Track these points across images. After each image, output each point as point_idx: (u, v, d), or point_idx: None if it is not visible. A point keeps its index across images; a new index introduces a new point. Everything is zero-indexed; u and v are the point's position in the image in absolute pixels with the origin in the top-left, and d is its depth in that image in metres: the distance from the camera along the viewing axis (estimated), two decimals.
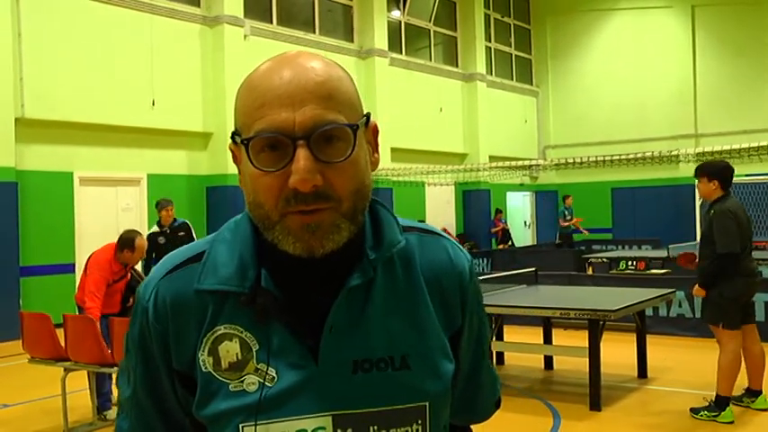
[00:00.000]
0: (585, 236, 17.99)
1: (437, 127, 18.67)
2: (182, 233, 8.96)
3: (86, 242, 10.74)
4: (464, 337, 1.15)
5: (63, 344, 5.63)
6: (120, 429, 1.14)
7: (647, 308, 7.19)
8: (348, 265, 1.03)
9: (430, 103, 18.54)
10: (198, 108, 12.93)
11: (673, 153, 14.83)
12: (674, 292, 7.27)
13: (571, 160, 15.57)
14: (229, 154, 1.08)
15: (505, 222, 20.18)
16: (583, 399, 5.92)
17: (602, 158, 14.80)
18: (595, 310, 5.85)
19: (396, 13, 18.20)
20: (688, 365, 7.26)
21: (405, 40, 18.41)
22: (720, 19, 20.35)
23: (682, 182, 19.70)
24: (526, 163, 17.65)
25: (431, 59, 19.18)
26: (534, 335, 7.58)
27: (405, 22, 18.45)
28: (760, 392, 5.73)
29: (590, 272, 12.92)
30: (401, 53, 18.11)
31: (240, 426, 1.00)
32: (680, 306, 8.82)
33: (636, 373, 6.85)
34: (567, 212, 17.37)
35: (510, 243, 19.59)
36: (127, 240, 6.05)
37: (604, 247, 16.66)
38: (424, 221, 18.37)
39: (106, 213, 11.66)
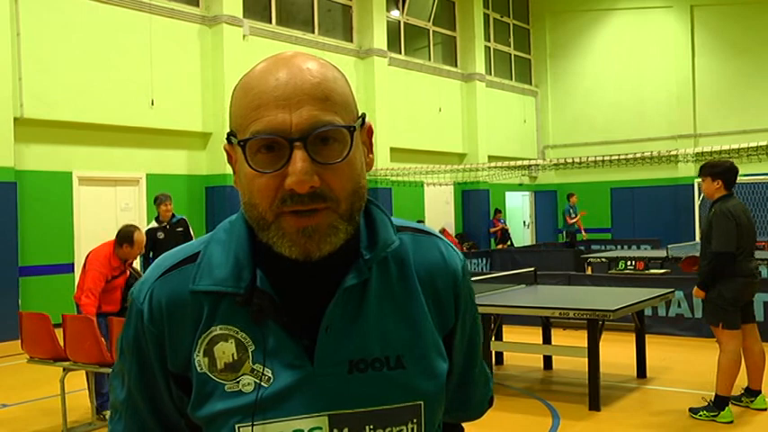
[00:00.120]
0: (583, 236, 17.98)
1: (436, 127, 18.67)
2: (180, 229, 8.94)
3: (85, 242, 10.73)
4: (457, 336, 1.15)
5: (62, 344, 5.63)
6: None
7: (646, 308, 7.19)
8: (343, 265, 1.03)
9: (429, 103, 18.54)
10: (197, 108, 12.92)
11: (672, 153, 14.84)
12: (673, 291, 7.27)
13: (570, 160, 15.58)
14: None
15: (504, 222, 20.19)
16: (582, 399, 5.93)
17: (601, 158, 14.80)
18: (594, 310, 5.85)
19: (395, 13, 18.20)
20: (687, 365, 7.26)
21: (404, 39, 18.41)
22: (720, 19, 20.36)
23: (681, 182, 19.72)
24: (525, 163, 17.66)
25: (430, 59, 19.17)
26: (533, 335, 7.59)
27: (404, 22, 18.45)
28: (759, 392, 5.73)
29: (589, 272, 12.92)
30: (400, 53, 18.11)
31: (236, 426, 1.00)
32: (679, 306, 8.83)
33: (635, 373, 6.86)
34: (572, 210, 17.36)
35: (509, 243, 19.59)
36: (126, 235, 6.05)
37: (603, 247, 16.66)
38: (422, 221, 18.42)
39: (105, 213, 11.65)
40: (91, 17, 11.46)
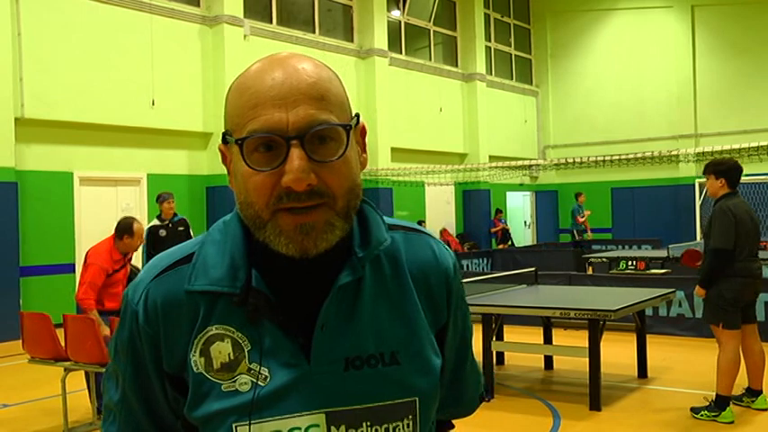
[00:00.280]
0: (589, 236, 17.95)
1: (437, 127, 18.67)
2: (181, 228, 8.96)
3: (86, 242, 10.72)
4: (450, 332, 1.17)
5: (63, 344, 5.63)
6: None
7: (646, 308, 7.19)
8: (337, 264, 1.04)
9: (430, 103, 18.54)
10: (198, 108, 12.93)
11: (672, 153, 14.84)
12: (674, 291, 7.27)
13: (571, 160, 15.57)
14: None
15: (505, 222, 20.19)
16: (583, 399, 5.93)
17: (601, 158, 14.80)
18: (595, 309, 5.85)
19: (395, 13, 18.20)
20: (688, 365, 7.26)
21: (404, 39, 18.41)
22: (720, 19, 20.35)
23: (681, 182, 19.72)
24: (526, 163, 17.66)
25: (430, 59, 19.17)
26: (534, 335, 7.58)
27: (404, 22, 18.45)
28: (760, 392, 5.73)
29: (590, 272, 12.92)
30: (401, 53, 18.11)
31: (234, 425, 1.01)
32: (680, 306, 8.82)
33: (636, 373, 6.86)
34: (581, 210, 17.35)
35: (510, 243, 19.59)
36: (125, 227, 6.06)
37: (604, 247, 16.66)
38: (423, 222, 18.41)
39: (106, 213, 11.65)
40: (91, 17, 11.47)
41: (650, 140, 20.15)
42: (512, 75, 22.50)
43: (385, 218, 1.13)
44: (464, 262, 14.80)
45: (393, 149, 16.89)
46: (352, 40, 16.71)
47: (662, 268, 11.03)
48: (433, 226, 18.42)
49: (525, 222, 22.88)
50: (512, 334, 7.84)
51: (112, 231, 6.16)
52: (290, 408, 1.01)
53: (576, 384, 6.58)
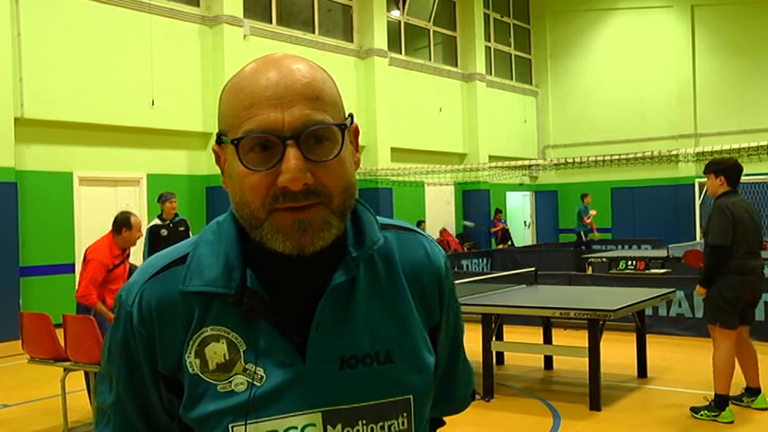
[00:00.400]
0: (595, 236, 17.91)
1: (437, 127, 18.67)
2: (182, 228, 8.97)
3: (86, 242, 10.65)
4: (442, 330, 1.18)
5: (63, 344, 5.63)
6: None
7: (646, 308, 7.19)
8: (331, 264, 1.04)
9: (429, 103, 18.53)
10: (197, 108, 12.92)
11: (672, 153, 14.83)
12: (674, 291, 7.27)
13: (571, 160, 15.57)
14: None
15: (505, 222, 20.18)
16: (583, 398, 5.93)
17: (601, 158, 14.80)
18: (595, 309, 5.85)
19: (395, 13, 18.19)
20: (688, 365, 7.26)
21: (404, 39, 18.41)
22: (720, 18, 20.35)
23: (681, 182, 19.72)
24: (526, 163, 17.66)
25: (430, 59, 19.17)
26: (534, 335, 7.58)
27: (404, 22, 18.45)
28: (759, 391, 5.74)
29: (590, 272, 12.91)
30: (401, 53, 18.11)
31: (230, 426, 1.01)
32: (679, 306, 8.82)
33: (636, 373, 6.86)
34: (587, 210, 17.34)
35: (510, 243, 19.58)
36: (123, 220, 6.08)
37: (604, 247, 16.66)
38: (423, 222, 18.39)
39: (106, 213, 11.58)
40: (91, 17, 11.46)
41: (650, 140, 20.14)
42: (511, 75, 22.50)
43: (378, 217, 1.14)
44: (464, 262, 14.80)
45: (393, 149, 16.89)
46: (351, 41, 16.71)
47: (662, 268, 11.03)
48: (432, 226, 18.41)
49: (525, 222, 22.87)
50: (512, 334, 7.84)
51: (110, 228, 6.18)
52: (286, 407, 1.01)
53: (575, 384, 6.58)
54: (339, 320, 1.05)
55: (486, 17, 21.14)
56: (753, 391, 5.78)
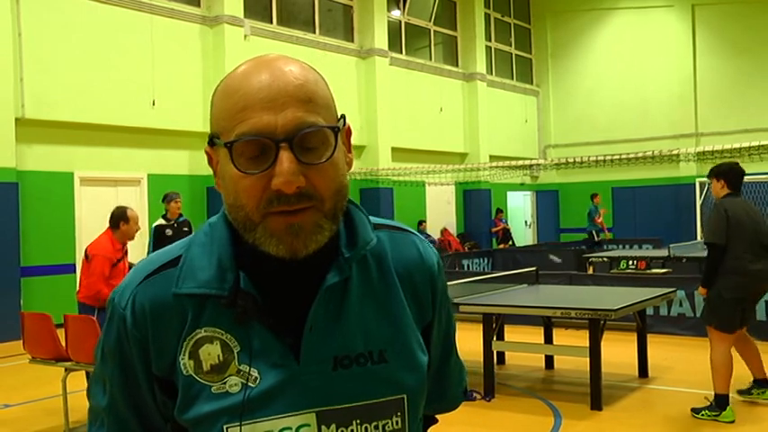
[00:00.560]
0: (606, 236, 17.90)
1: (437, 127, 18.67)
2: (186, 229, 8.97)
3: (87, 242, 10.58)
4: (435, 329, 1.18)
5: (64, 344, 5.63)
6: None
7: (647, 307, 7.18)
8: (324, 265, 1.05)
9: (430, 103, 18.53)
10: (198, 108, 12.92)
11: (673, 152, 14.82)
12: (675, 291, 7.27)
13: (572, 160, 15.55)
14: None
15: (506, 222, 20.18)
16: (584, 398, 5.92)
17: (602, 158, 14.78)
18: (596, 309, 5.85)
19: (396, 13, 18.19)
20: (689, 365, 7.25)
21: (405, 39, 18.41)
22: (721, 18, 20.34)
23: (682, 181, 19.71)
24: (527, 162, 17.64)
25: (431, 59, 19.17)
26: (535, 334, 7.58)
27: (405, 22, 18.45)
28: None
29: (591, 271, 12.91)
30: (401, 53, 18.11)
31: (225, 427, 1.01)
32: (680, 305, 8.82)
33: (637, 373, 6.85)
34: (597, 210, 17.32)
35: (511, 243, 19.59)
36: (120, 214, 6.11)
37: (606, 247, 16.66)
38: (424, 221, 18.38)
39: (106, 213, 11.50)
40: (92, 17, 11.47)
41: (651, 140, 20.13)
42: (512, 74, 22.50)
43: (370, 217, 1.14)
44: (465, 261, 14.80)
45: (393, 149, 16.89)
46: (352, 40, 16.71)
47: (663, 268, 11.02)
48: (433, 226, 18.42)
49: (526, 222, 22.87)
50: (512, 334, 7.83)
51: (107, 225, 6.20)
52: (281, 408, 1.02)
53: (576, 384, 6.58)
54: (332, 321, 1.05)
55: (487, 17, 21.14)
56: (761, 383, 5.84)
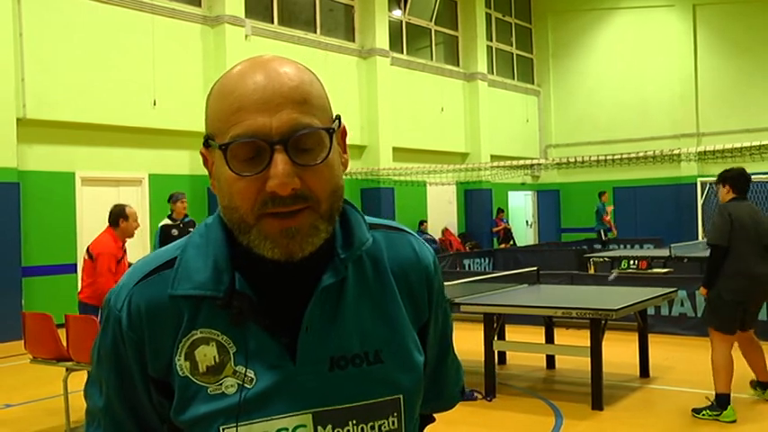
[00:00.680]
0: (614, 234, 17.89)
1: (438, 126, 18.67)
2: (191, 229, 8.96)
3: (88, 242, 10.69)
4: (431, 328, 1.18)
5: (65, 344, 5.63)
6: None
7: (648, 307, 7.18)
8: (320, 265, 1.04)
9: (431, 103, 18.53)
10: (199, 108, 12.79)
11: (674, 152, 14.82)
12: (676, 291, 7.27)
13: (573, 159, 15.55)
14: None
15: (507, 222, 20.18)
16: (585, 398, 5.92)
17: (603, 158, 14.78)
18: (597, 309, 5.85)
19: (397, 13, 18.19)
20: (690, 365, 7.25)
21: (406, 39, 18.41)
22: (722, 17, 20.33)
23: (683, 181, 19.69)
24: (528, 162, 17.64)
25: (432, 59, 19.17)
26: (536, 334, 7.57)
27: (406, 22, 18.45)
28: None
29: (592, 271, 12.91)
30: (402, 53, 18.11)
31: (221, 428, 1.01)
32: (682, 305, 8.81)
33: (638, 373, 6.85)
34: (604, 209, 17.30)
35: (512, 242, 19.58)
36: (119, 212, 6.14)
37: (606, 247, 16.65)
38: (425, 221, 18.35)
39: (108, 213, 11.64)
40: (93, 17, 11.48)
41: (652, 140, 20.12)
42: (513, 74, 22.49)
43: (366, 217, 1.14)
44: (466, 261, 14.79)
45: (395, 149, 16.89)
46: (353, 40, 16.71)
47: (664, 267, 11.02)
48: (434, 226, 18.42)
49: (527, 222, 22.87)
50: (513, 333, 7.83)
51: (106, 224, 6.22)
52: (277, 409, 1.02)
53: (578, 384, 6.57)
54: (328, 322, 1.05)
55: (488, 16, 21.14)
56: (764, 385, 5.86)
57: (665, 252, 12.13)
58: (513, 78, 22.40)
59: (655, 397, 6.26)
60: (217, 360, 1.03)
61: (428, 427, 1.33)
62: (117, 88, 11.70)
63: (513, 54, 22.61)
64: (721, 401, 5.43)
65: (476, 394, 6.16)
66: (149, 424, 1.09)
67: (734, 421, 5.36)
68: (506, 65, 22.26)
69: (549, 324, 7.33)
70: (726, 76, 20.30)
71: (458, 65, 20.03)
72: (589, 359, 5.79)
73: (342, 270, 1.06)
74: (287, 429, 1.02)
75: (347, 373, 1.04)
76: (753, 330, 5.78)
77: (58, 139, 11.20)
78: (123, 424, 1.09)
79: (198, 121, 12.90)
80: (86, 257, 6.33)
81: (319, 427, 1.03)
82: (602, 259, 13.02)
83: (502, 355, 7.48)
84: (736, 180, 5.73)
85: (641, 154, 14.36)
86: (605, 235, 17.16)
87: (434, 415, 1.34)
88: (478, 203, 19.80)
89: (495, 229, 19.82)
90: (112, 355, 1.08)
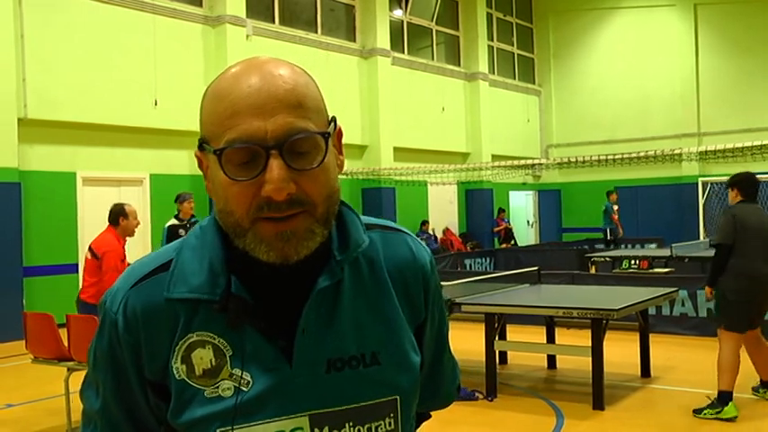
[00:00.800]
0: (620, 233, 17.87)
1: (439, 126, 18.66)
2: None
3: (89, 242, 10.73)
4: (427, 328, 1.18)
5: (66, 344, 5.64)
6: None
7: (650, 307, 7.18)
8: (316, 267, 1.04)
9: (432, 103, 18.53)
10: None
11: (675, 152, 14.81)
12: (677, 290, 7.27)
13: (574, 159, 15.55)
14: None
15: (508, 222, 20.17)
16: (586, 398, 5.92)
17: (604, 157, 14.77)
18: (598, 309, 5.85)
19: (398, 13, 18.19)
20: (691, 364, 7.25)
21: (407, 39, 18.41)
22: (723, 17, 20.32)
23: (685, 181, 19.68)
24: (529, 162, 17.63)
25: (433, 59, 19.17)
26: (537, 334, 7.57)
27: (407, 22, 18.45)
28: None
29: (593, 271, 12.90)
30: (403, 52, 18.11)
31: (218, 431, 1.01)
32: (683, 305, 8.81)
33: (639, 373, 6.85)
34: (612, 208, 17.29)
35: (513, 242, 19.58)
36: (118, 211, 6.16)
37: (614, 246, 16.64)
38: (427, 221, 18.34)
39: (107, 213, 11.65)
40: (94, 18, 11.48)
41: (653, 139, 20.12)
42: (514, 74, 22.48)
43: (362, 217, 1.14)
44: (467, 261, 14.79)
45: (396, 149, 16.89)
46: (354, 40, 16.71)
47: (665, 267, 11.01)
48: (435, 225, 18.42)
49: (528, 222, 22.86)
50: (514, 333, 7.82)
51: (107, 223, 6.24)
52: (274, 412, 1.01)
53: (579, 384, 6.57)
54: (325, 324, 1.04)
55: (489, 16, 21.13)
56: (766, 384, 5.87)
57: (666, 252, 12.13)
58: (515, 78, 22.39)
59: (656, 397, 6.25)
60: (213, 363, 1.02)
61: (430, 427, 1.33)
62: (118, 88, 11.71)
63: (514, 54, 22.61)
64: (723, 398, 5.43)
65: (477, 394, 6.16)
66: (146, 426, 1.09)
67: (735, 417, 5.36)
68: (507, 65, 22.25)
69: (551, 324, 7.33)
70: (727, 76, 20.28)
71: (459, 65, 20.02)
72: (590, 359, 5.78)
73: (338, 272, 1.05)
74: None
75: (344, 375, 1.04)
76: (759, 329, 5.78)
77: (59, 138, 11.20)
78: (120, 426, 1.09)
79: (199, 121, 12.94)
80: (89, 257, 6.33)
81: (316, 430, 1.02)
82: (603, 259, 13.01)
83: (503, 354, 7.47)
84: (744, 184, 5.83)
85: (642, 154, 14.35)
86: (612, 234, 17.13)
87: (431, 413, 1.34)
88: (479, 203, 19.79)
89: (496, 229, 19.81)
90: (109, 357, 1.07)
